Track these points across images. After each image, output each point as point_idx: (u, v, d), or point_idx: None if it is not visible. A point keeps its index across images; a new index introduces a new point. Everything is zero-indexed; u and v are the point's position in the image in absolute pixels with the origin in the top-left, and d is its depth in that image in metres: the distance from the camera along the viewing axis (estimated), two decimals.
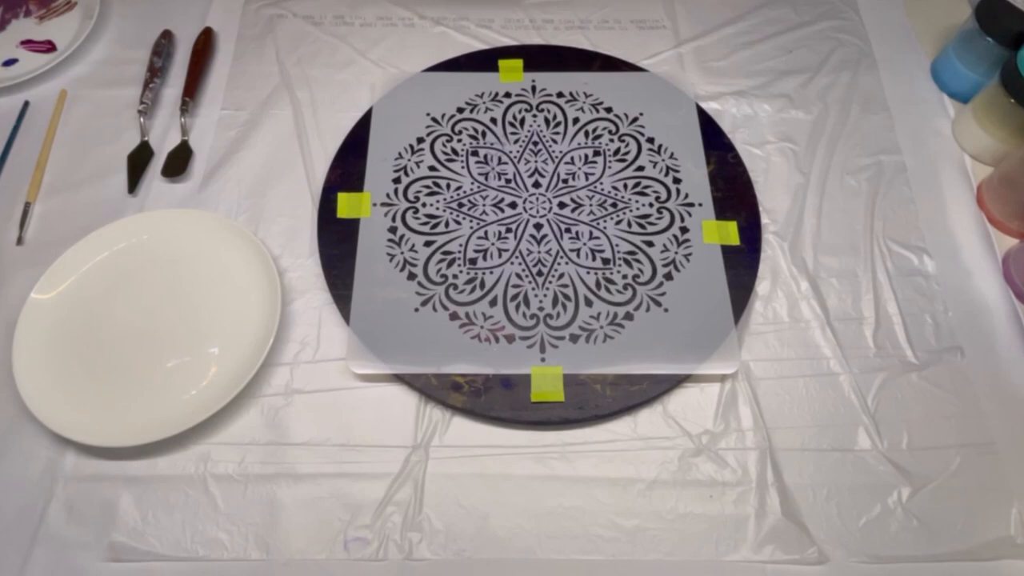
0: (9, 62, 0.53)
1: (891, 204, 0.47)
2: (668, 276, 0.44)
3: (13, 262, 0.45)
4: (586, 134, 0.49)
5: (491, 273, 0.44)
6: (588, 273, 0.44)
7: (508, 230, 0.45)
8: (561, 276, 0.44)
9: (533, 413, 0.39)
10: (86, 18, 0.54)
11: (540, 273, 0.44)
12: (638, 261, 0.44)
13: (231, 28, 0.55)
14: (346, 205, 0.46)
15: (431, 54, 0.53)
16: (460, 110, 0.50)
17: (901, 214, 0.47)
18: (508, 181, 0.47)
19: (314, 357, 0.42)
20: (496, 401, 0.39)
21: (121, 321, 0.42)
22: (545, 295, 0.43)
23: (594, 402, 0.39)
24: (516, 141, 0.49)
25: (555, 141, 0.49)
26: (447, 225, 0.45)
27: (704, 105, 0.51)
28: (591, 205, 0.46)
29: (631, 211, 0.46)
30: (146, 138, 0.50)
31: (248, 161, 0.49)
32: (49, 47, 0.54)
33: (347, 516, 0.37)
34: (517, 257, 0.44)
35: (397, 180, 0.47)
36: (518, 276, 0.44)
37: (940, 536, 0.37)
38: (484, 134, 0.49)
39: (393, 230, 0.45)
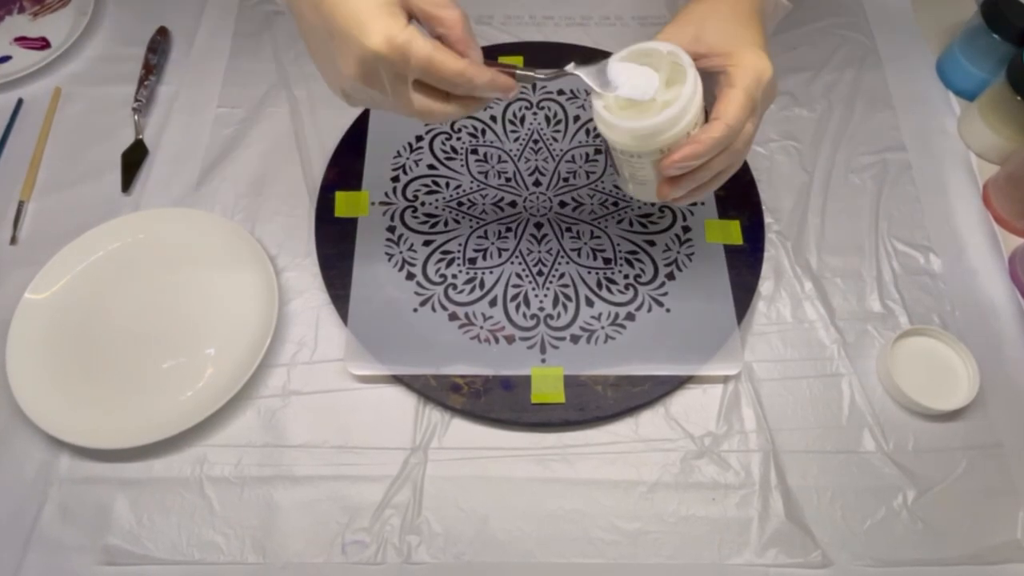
0: (2, 59, 0.52)
1: (896, 203, 0.47)
2: (670, 276, 0.43)
3: (7, 261, 0.44)
4: (587, 132, 0.49)
5: (491, 273, 0.43)
6: (589, 273, 0.43)
7: (508, 229, 0.45)
8: (562, 276, 0.43)
9: (533, 415, 0.39)
10: (80, 14, 0.53)
11: (540, 273, 0.43)
12: (640, 260, 0.44)
13: (228, 25, 0.54)
14: (344, 204, 0.45)
15: None
16: None
17: (906, 213, 0.47)
18: (508, 180, 0.47)
19: (311, 358, 0.41)
20: (496, 402, 0.39)
21: (116, 322, 0.42)
22: (545, 295, 0.42)
23: (595, 403, 0.39)
24: (516, 139, 0.48)
25: (556, 139, 0.48)
26: (446, 224, 0.45)
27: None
28: (592, 204, 0.46)
29: (632, 210, 0.46)
30: (141, 136, 0.49)
31: (245, 159, 0.48)
32: (43, 44, 0.53)
33: (345, 519, 0.37)
34: (517, 256, 0.44)
35: (395, 179, 0.47)
36: (518, 276, 0.43)
37: (946, 539, 0.37)
38: (484, 132, 0.49)
39: (392, 229, 0.45)
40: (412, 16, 0.27)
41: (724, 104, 0.30)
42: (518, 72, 0.30)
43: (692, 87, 0.29)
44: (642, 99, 0.30)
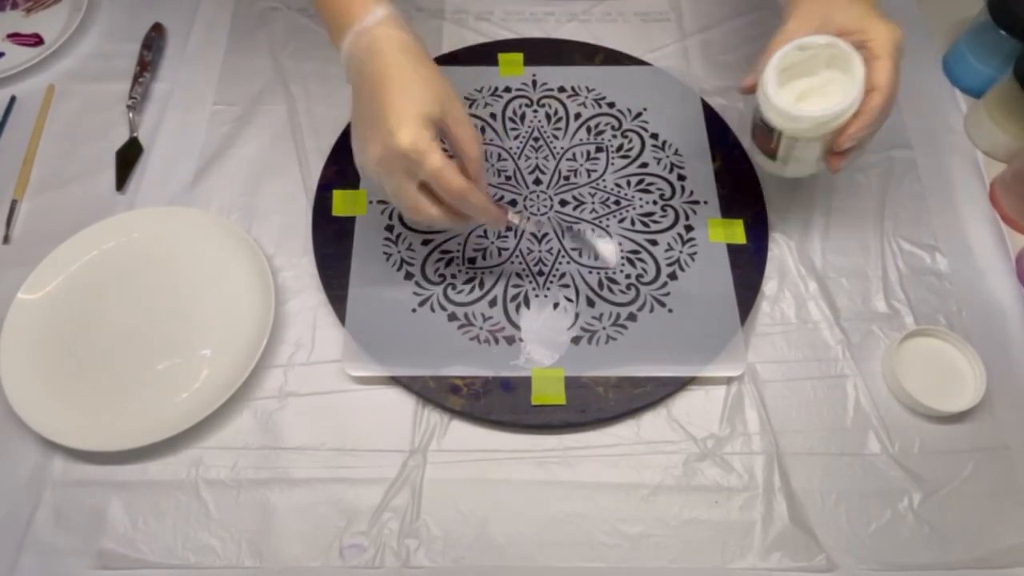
0: None
1: (902, 201, 0.46)
2: (672, 276, 0.43)
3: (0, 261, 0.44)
4: (588, 130, 0.48)
5: (491, 273, 0.43)
6: (590, 273, 0.43)
7: (508, 228, 0.44)
8: (563, 276, 0.43)
9: (534, 416, 0.38)
10: (74, 10, 0.53)
11: (541, 273, 0.43)
12: (642, 260, 0.43)
13: (223, 21, 0.54)
14: (341, 203, 0.45)
15: (428, 48, 0.51)
16: None
17: (912, 212, 0.46)
18: (508, 178, 0.46)
19: (309, 359, 0.41)
20: (496, 404, 0.39)
21: (111, 322, 0.41)
22: (546, 295, 0.42)
23: (596, 405, 0.39)
24: (516, 137, 0.48)
25: (556, 137, 0.48)
26: None
27: (710, 100, 0.49)
28: (593, 203, 0.45)
29: (634, 209, 0.45)
30: (135, 134, 0.48)
31: (241, 158, 0.48)
32: (36, 40, 0.53)
33: (343, 522, 0.36)
34: (517, 256, 0.43)
35: None
36: (518, 276, 0.43)
37: (952, 543, 0.36)
38: (483, 130, 0.48)
39: (390, 228, 0.44)
40: (443, 135, 0.33)
41: (876, 75, 0.34)
42: (511, 212, 0.36)
43: (862, 70, 0.34)
44: (842, 115, 0.34)
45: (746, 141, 0.48)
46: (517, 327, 0.41)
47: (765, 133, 0.37)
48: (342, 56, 0.34)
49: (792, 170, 0.39)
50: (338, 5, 0.34)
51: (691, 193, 0.46)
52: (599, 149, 0.47)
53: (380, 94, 0.32)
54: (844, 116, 0.34)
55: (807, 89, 0.35)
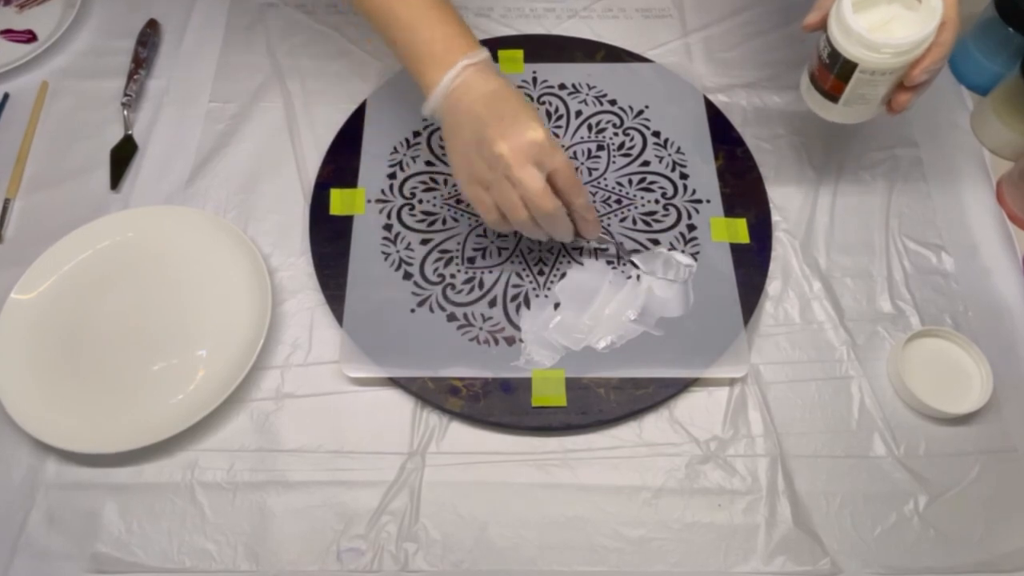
0: None
1: (907, 200, 0.46)
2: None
3: None
4: (589, 128, 0.48)
5: (490, 272, 0.42)
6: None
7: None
8: (563, 276, 0.42)
9: (534, 418, 0.38)
10: (68, 6, 0.52)
11: (541, 272, 0.42)
12: None
13: (219, 17, 0.53)
14: (339, 202, 0.44)
15: None
16: None
17: (918, 210, 0.45)
18: None
19: (306, 360, 0.40)
20: (495, 406, 0.38)
21: (105, 322, 0.41)
22: (547, 296, 0.41)
23: (597, 407, 0.38)
24: None
25: (557, 135, 0.47)
26: (444, 222, 0.44)
27: (712, 97, 0.49)
28: (595, 202, 0.45)
29: (636, 208, 0.44)
30: (130, 132, 0.48)
31: (237, 156, 0.47)
32: (30, 37, 0.52)
33: (340, 526, 0.36)
34: (517, 256, 0.43)
35: (392, 176, 0.46)
36: (518, 275, 0.42)
37: (958, 547, 0.36)
38: None
39: (388, 228, 0.44)
40: None
41: (946, 9, 0.34)
42: (607, 239, 0.41)
43: None
44: (922, 44, 0.34)
45: (749, 138, 0.47)
46: (517, 328, 0.40)
47: (830, 70, 0.36)
48: (446, 79, 0.35)
49: (852, 114, 0.38)
50: (438, 44, 0.36)
51: (693, 192, 0.45)
52: (600, 147, 0.47)
53: (508, 103, 0.35)
54: (923, 46, 0.34)
55: (868, 26, 0.34)
